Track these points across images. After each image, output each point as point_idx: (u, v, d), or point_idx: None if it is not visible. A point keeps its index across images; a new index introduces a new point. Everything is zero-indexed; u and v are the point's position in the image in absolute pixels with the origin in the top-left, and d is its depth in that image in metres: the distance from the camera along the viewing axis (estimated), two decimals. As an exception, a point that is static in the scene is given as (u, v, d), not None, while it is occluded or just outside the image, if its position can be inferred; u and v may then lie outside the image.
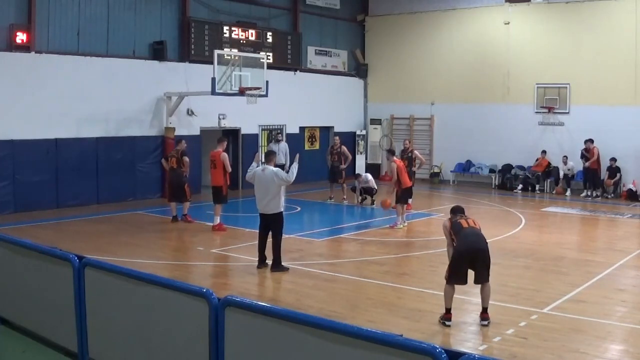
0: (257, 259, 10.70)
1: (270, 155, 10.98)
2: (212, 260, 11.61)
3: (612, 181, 20.36)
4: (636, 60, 20.07)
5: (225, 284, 9.82)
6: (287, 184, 10.56)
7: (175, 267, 11.05)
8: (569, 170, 20.99)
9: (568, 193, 20.70)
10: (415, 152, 17.87)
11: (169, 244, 13.06)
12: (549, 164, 21.55)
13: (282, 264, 10.52)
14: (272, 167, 10.52)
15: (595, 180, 20.26)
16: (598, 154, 20.03)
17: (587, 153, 20.15)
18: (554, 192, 21.26)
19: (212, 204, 14.25)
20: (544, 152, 21.63)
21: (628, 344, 7.45)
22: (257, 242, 10.80)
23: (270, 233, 10.54)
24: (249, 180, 10.80)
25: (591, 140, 20.08)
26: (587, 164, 20.12)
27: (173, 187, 14.90)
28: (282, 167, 17.29)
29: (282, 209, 10.53)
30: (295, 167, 10.46)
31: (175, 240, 13.36)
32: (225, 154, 14.18)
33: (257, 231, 10.83)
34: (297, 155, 10.83)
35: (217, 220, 13.93)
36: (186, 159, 14.78)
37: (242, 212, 15.69)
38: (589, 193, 20.21)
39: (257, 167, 10.70)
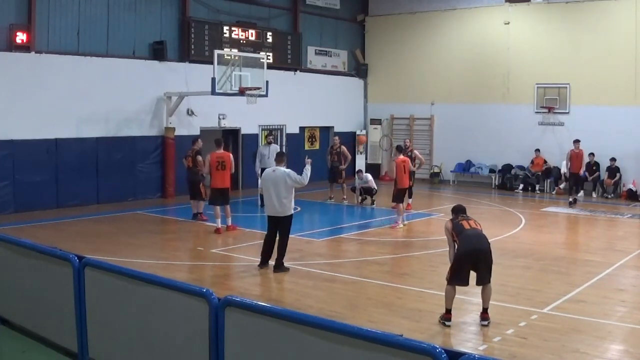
0: (260, 258, 10.65)
1: (281, 156, 10.81)
2: (212, 260, 11.61)
3: (612, 181, 20.37)
4: (636, 60, 20.07)
5: (225, 284, 9.82)
6: (300, 186, 10.45)
7: (175, 267, 11.05)
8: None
9: (581, 194, 19.42)
10: (415, 151, 17.88)
11: (169, 244, 13.06)
12: (545, 161, 21.59)
13: (284, 264, 10.51)
14: (283, 168, 10.38)
15: (580, 182, 19.05)
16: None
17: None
18: (553, 192, 21.27)
19: (216, 206, 13.80)
20: (537, 150, 21.68)
21: (628, 344, 7.45)
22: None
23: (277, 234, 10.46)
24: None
25: (578, 141, 18.58)
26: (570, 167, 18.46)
27: (190, 186, 15.14)
28: None
29: (292, 212, 10.42)
30: (308, 170, 10.42)
31: (175, 240, 13.36)
32: (231, 154, 14.30)
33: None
34: (309, 160, 10.75)
35: (229, 220, 13.90)
36: (199, 158, 14.93)
37: (242, 212, 15.68)
38: (571, 200, 18.44)
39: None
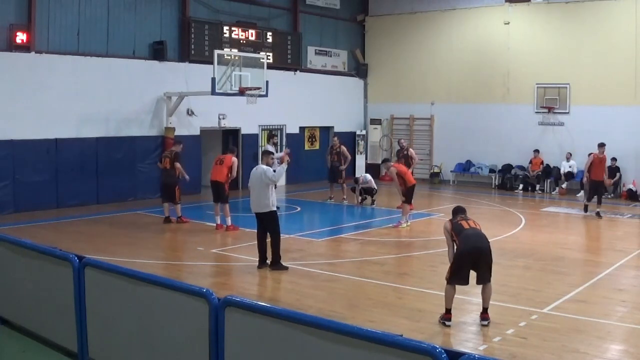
0: (258, 259, 10.71)
1: (263, 155, 11.13)
2: (212, 260, 11.60)
3: (612, 181, 20.36)
4: (636, 60, 20.07)
5: (225, 284, 9.82)
6: (272, 184, 10.53)
7: (175, 267, 11.05)
8: (570, 167, 21.05)
9: (581, 194, 19.89)
10: (411, 150, 17.86)
11: (169, 244, 13.06)
12: (542, 162, 21.62)
13: (282, 263, 10.55)
14: (263, 166, 10.65)
15: (602, 191, 16.98)
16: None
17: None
18: (553, 192, 21.25)
19: (213, 203, 14.16)
20: (536, 150, 21.72)
21: (628, 344, 7.45)
22: (256, 242, 10.81)
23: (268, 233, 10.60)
24: None
25: (603, 145, 16.50)
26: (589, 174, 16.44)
27: (165, 188, 14.93)
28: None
29: (273, 208, 10.52)
30: (283, 168, 10.79)
31: (175, 241, 13.36)
32: (236, 160, 14.25)
33: (254, 231, 10.85)
34: (287, 150, 10.99)
35: (229, 220, 13.92)
36: (178, 165, 14.62)
37: (242, 212, 15.67)
38: (594, 210, 16.44)
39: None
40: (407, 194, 14.66)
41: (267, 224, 10.52)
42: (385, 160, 16.13)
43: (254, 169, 10.72)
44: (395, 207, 17.32)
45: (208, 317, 4.97)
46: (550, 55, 21.59)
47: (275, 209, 10.60)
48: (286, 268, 10.50)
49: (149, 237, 13.50)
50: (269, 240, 10.64)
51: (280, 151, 18.54)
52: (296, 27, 23.26)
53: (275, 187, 10.95)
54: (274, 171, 10.68)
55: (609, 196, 20.30)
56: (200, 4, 20.21)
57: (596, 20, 20.83)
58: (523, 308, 8.58)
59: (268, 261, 10.63)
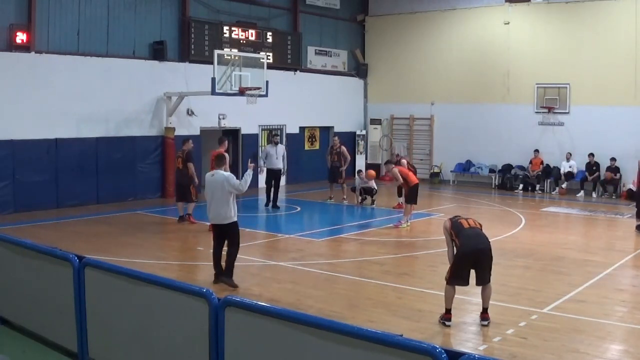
0: (214, 272, 9.97)
1: (220, 160, 9.94)
2: (212, 260, 11.57)
3: (611, 176, 20.35)
4: (636, 60, 20.07)
5: (225, 284, 9.80)
6: (238, 193, 9.77)
7: (175, 267, 11.05)
8: (570, 167, 21.05)
9: (581, 194, 20.33)
10: (403, 160, 17.69)
11: (169, 244, 13.05)
12: (542, 162, 21.63)
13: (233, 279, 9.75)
14: (222, 172, 9.62)
15: None
16: None
17: None
18: (553, 192, 21.24)
19: None
20: (536, 150, 21.74)
21: (628, 344, 7.45)
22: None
23: (226, 243, 9.82)
24: None
25: None
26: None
27: (179, 188, 14.94)
28: (278, 172, 17.20)
29: (235, 219, 9.63)
30: (249, 175, 9.64)
31: (175, 240, 13.35)
32: (226, 154, 14.17)
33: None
34: (252, 164, 10.02)
35: None
36: (191, 165, 14.59)
37: (241, 212, 15.64)
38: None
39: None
40: (411, 194, 14.65)
41: (229, 236, 9.73)
42: (387, 162, 16.14)
43: (210, 174, 9.64)
44: (392, 207, 17.34)
45: (208, 317, 4.97)
46: (550, 55, 21.59)
47: (236, 219, 9.68)
48: (236, 286, 9.60)
49: (149, 237, 13.51)
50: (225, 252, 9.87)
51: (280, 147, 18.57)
52: (296, 27, 23.26)
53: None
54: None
55: (613, 196, 20.29)
56: (200, 4, 20.21)
57: (596, 20, 20.83)
58: (523, 308, 8.58)
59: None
